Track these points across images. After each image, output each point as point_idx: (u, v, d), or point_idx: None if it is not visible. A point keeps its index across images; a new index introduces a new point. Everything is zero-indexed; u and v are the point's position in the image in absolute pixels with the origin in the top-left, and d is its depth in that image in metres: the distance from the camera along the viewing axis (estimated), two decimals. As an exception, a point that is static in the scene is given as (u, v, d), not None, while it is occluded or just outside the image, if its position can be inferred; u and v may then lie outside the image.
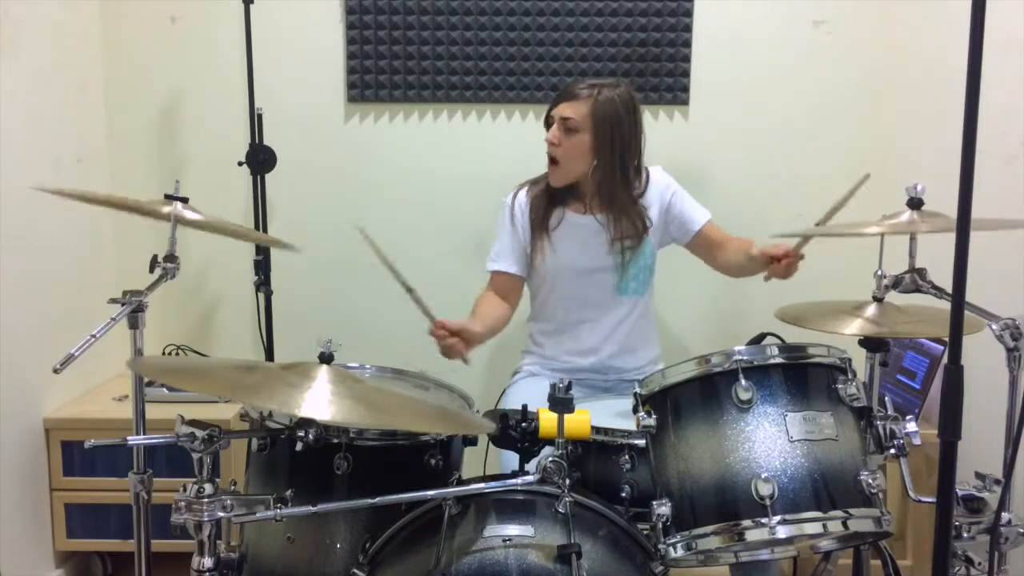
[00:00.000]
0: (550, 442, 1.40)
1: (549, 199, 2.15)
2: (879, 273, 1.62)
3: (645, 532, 1.44)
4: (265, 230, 2.62)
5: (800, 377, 1.38)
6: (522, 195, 2.19)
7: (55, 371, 1.53)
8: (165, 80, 2.73)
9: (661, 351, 2.28)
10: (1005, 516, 1.45)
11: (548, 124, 2.10)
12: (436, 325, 1.89)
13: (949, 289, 1.14)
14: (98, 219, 2.64)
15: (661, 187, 2.19)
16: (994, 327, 1.48)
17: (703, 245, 2.20)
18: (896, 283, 1.63)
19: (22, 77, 2.28)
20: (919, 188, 1.61)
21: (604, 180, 2.09)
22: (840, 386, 1.38)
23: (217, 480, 1.26)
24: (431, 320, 1.89)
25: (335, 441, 1.52)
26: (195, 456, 1.27)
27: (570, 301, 2.16)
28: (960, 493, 1.46)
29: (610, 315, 2.16)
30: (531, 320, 2.26)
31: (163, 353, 2.65)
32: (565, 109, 2.04)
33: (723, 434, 1.34)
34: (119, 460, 2.31)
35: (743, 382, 1.35)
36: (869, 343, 1.59)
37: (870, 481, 1.31)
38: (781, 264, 1.91)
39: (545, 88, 2.69)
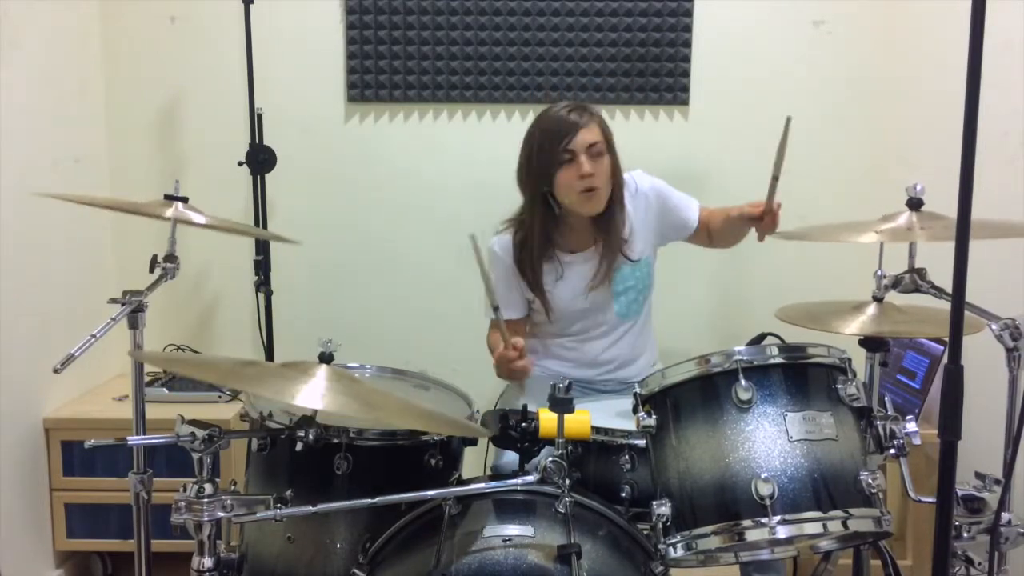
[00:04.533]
0: (550, 442, 1.40)
1: (538, 250, 2.03)
2: (879, 273, 1.62)
3: (645, 532, 1.44)
4: (265, 230, 2.62)
5: (800, 377, 1.38)
6: (508, 244, 2.08)
7: (55, 371, 1.53)
8: (165, 80, 2.73)
9: (659, 354, 2.28)
10: (1005, 516, 1.45)
11: (559, 162, 1.92)
12: (513, 346, 1.82)
13: (949, 289, 1.14)
14: (98, 219, 2.64)
15: (646, 188, 2.11)
16: (994, 327, 1.47)
17: (703, 232, 2.13)
18: (896, 283, 1.63)
19: (22, 77, 2.28)
20: (919, 188, 1.61)
21: (611, 206, 2.01)
22: (840, 386, 1.38)
23: (217, 480, 1.27)
24: (505, 341, 1.83)
25: (335, 441, 1.52)
26: (195, 456, 1.27)
27: (571, 330, 2.14)
28: (960, 493, 1.46)
29: (610, 338, 2.14)
30: (529, 335, 2.22)
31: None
32: (586, 136, 1.91)
33: (723, 434, 1.34)
34: (119, 460, 2.31)
35: (743, 382, 1.35)
36: (869, 343, 1.59)
37: (870, 481, 1.31)
38: (764, 221, 1.91)
39: (545, 88, 2.69)
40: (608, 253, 2.04)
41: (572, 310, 2.10)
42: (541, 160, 1.95)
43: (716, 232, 2.11)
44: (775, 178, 1.84)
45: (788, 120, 1.77)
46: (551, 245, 2.05)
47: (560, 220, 2.03)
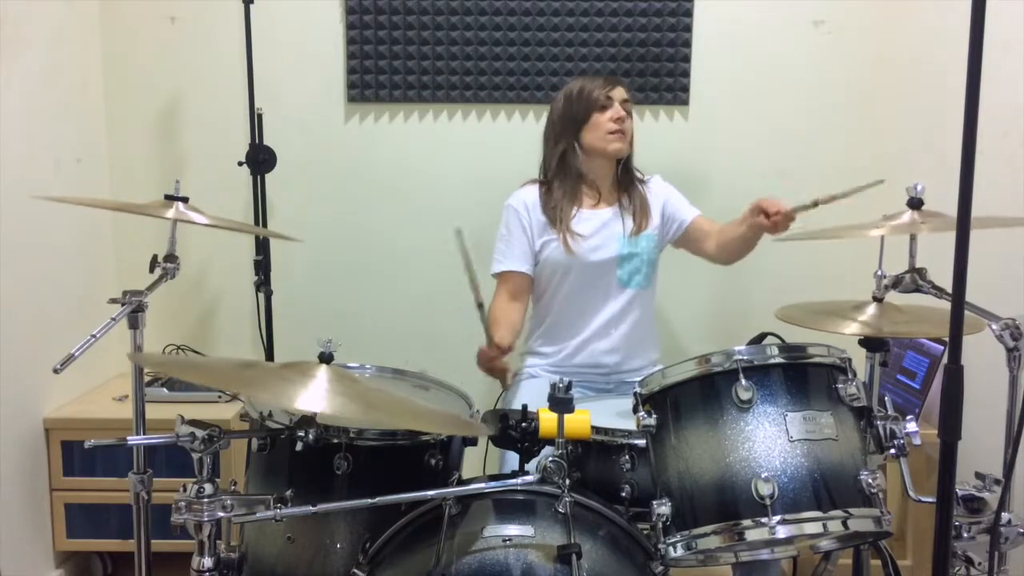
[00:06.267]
0: (550, 442, 1.40)
1: (562, 194, 2.18)
2: (879, 273, 1.62)
3: (645, 532, 1.44)
4: (265, 228, 2.62)
5: (800, 377, 1.38)
6: (527, 195, 2.21)
7: (55, 371, 1.53)
8: (165, 80, 2.73)
9: (661, 355, 2.29)
10: (1005, 516, 1.45)
11: (598, 105, 2.13)
12: (494, 347, 1.92)
13: (949, 289, 1.14)
14: (98, 219, 2.64)
15: (660, 189, 2.28)
16: (994, 327, 1.48)
17: (696, 236, 2.24)
18: (896, 283, 1.63)
19: (22, 77, 2.28)
20: (919, 188, 1.61)
21: (627, 168, 2.23)
22: (840, 386, 1.38)
23: (217, 480, 1.26)
24: (489, 340, 1.91)
25: (335, 441, 1.52)
26: (195, 456, 1.27)
27: (574, 295, 2.18)
28: (960, 493, 1.46)
29: (611, 307, 2.17)
30: (533, 316, 2.26)
31: (163, 353, 2.65)
32: (622, 92, 2.16)
33: (723, 434, 1.34)
34: (119, 460, 2.31)
35: (743, 382, 1.35)
36: (869, 343, 1.59)
37: (870, 481, 1.31)
38: (770, 220, 1.96)
39: (545, 88, 2.69)
40: (640, 201, 2.22)
41: (583, 261, 2.15)
42: (581, 103, 2.16)
43: (720, 238, 2.19)
44: (816, 204, 1.86)
45: (878, 182, 1.77)
46: (577, 193, 2.19)
47: (582, 174, 2.19)
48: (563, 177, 2.19)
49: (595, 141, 2.15)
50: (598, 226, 2.18)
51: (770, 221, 1.96)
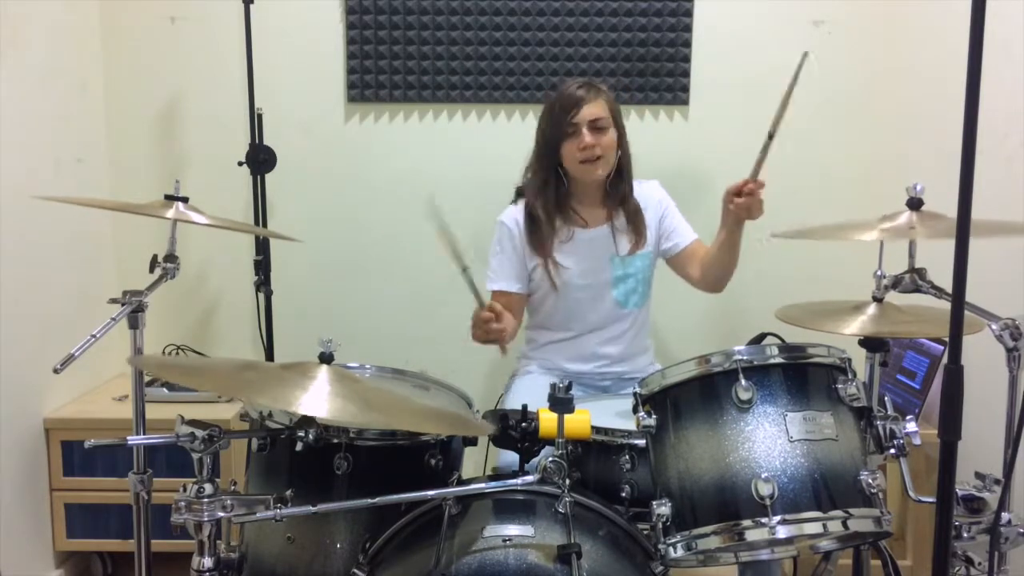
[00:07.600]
0: (550, 442, 1.40)
1: (549, 217, 2.11)
2: (879, 273, 1.62)
3: (645, 532, 1.44)
4: (265, 228, 2.62)
5: (800, 377, 1.38)
6: (519, 213, 2.15)
7: (55, 371, 1.53)
8: (165, 80, 2.73)
9: (657, 355, 2.29)
10: (1005, 516, 1.45)
11: (566, 134, 2.05)
12: (487, 307, 1.83)
13: (949, 289, 1.14)
14: (98, 219, 2.64)
15: (656, 199, 2.21)
16: (994, 327, 1.48)
17: (688, 260, 2.19)
18: (896, 283, 1.63)
19: (22, 77, 2.28)
20: (919, 188, 1.61)
21: (619, 178, 2.13)
22: (840, 386, 1.38)
23: (217, 480, 1.27)
24: (480, 303, 1.83)
25: (335, 441, 1.52)
26: (195, 456, 1.27)
27: (573, 314, 2.16)
28: (960, 493, 1.46)
29: (611, 328, 2.16)
30: (530, 327, 2.25)
31: (163, 353, 2.65)
32: (592, 111, 2.04)
33: (723, 434, 1.34)
34: (119, 460, 2.31)
35: (743, 382, 1.35)
36: (869, 343, 1.59)
37: (870, 481, 1.31)
38: (743, 200, 1.91)
39: (545, 88, 2.68)
40: (634, 218, 2.14)
41: (577, 284, 2.12)
42: (551, 132, 2.08)
43: (707, 258, 2.13)
44: (771, 136, 1.81)
45: (804, 56, 1.69)
46: (564, 217, 2.13)
47: (570, 193, 2.13)
48: (544, 204, 2.11)
49: (572, 169, 2.09)
50: (587, 249, 2.13)
51: (742, 199, 1.91)
